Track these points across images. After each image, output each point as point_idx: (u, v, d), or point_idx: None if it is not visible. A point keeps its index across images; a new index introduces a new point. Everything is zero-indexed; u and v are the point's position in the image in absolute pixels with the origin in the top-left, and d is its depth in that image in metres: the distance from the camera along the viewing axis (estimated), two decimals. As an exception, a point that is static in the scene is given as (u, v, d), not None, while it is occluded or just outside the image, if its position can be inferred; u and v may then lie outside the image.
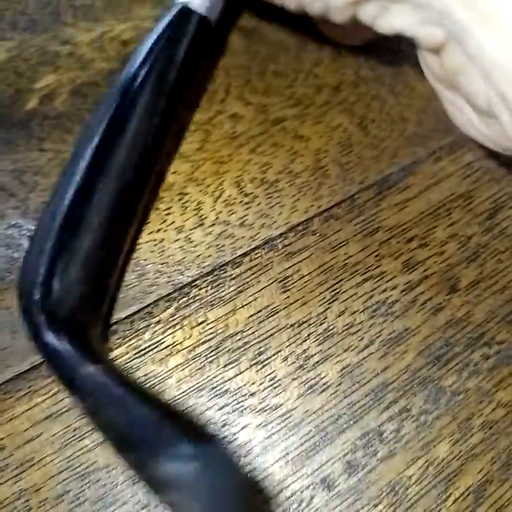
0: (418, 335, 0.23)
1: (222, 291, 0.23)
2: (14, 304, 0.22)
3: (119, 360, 0.22)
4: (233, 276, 0.24)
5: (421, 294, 0.24)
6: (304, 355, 0.22)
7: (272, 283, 0.24)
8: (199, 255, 0.24)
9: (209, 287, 0.23)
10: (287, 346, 0.23)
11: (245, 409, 0.22)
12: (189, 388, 0.22)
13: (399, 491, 0.21)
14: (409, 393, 0.22)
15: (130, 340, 0.22)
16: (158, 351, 0.22)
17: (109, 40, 0.27)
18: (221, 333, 0.23)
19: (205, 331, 0.23)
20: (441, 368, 0.23)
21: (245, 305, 0.23)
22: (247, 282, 0.23)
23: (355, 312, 0.23)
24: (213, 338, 0.22)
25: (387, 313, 0.23)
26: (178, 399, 0.21)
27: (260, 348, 0.22)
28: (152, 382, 0.22)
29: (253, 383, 0.22)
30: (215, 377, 0.22)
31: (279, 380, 0.22)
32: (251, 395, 0.22)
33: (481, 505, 0.21)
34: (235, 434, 0.21)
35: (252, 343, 0.22)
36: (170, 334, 0.22)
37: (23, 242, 0.23)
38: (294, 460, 0.21)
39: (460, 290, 0.24)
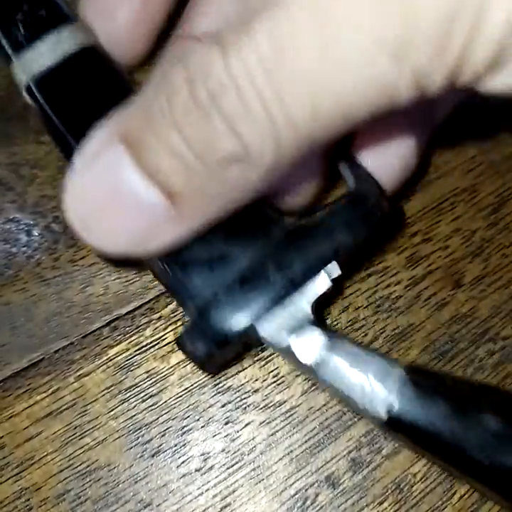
0: (422, 331, 0.23)
1: (225, 287, 0.23)
2: (13, 300, 0.22)
3: (120, 357, 0.21)
4: (235, 271, 0.23)
5: (425, 289, 0.24)
6: (307, 352, 0.22)
7: (275, 278, 0.23)
8: (201, 250, 0.23)
9: (211, 283, 0.23)
10: (290, 342, 0.22)
11: (248, 406, 0.21)
12: (191, 385, 0.21)
13: (404, 488, 0.21)
14: (413, 389, 0.22)
15: (131, 336, 0.22)
16: (160, 348, 0.22)
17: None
18: (223, 329, 0.22)
19: (208, 327, 0.22)
20: (446, 364, 0.22)
21: (248, 301, 0.23)
22: (250, 277, 0.23)
23: (358, 308, 0.23)
24: (216, 334, 0.22)
25: (391, 309, 0.23)
26: (180, 396, 0.21)
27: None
28: (154, 380, 0.21)
29: (256, 380, 0.22)
30: (217, 373, 0.22)
31: (282, 376, 0.22)
32: (254, 391, 0.21)
33: (486, 502, 0.21)
34: (238, 431, 0.21)
35: (254, 339, 0.22)
36: (172, 330, 0.22)
37: (21, 237, 0.23)
38: (298, 458, 0.21)
39: (464, 285, 0.24)
